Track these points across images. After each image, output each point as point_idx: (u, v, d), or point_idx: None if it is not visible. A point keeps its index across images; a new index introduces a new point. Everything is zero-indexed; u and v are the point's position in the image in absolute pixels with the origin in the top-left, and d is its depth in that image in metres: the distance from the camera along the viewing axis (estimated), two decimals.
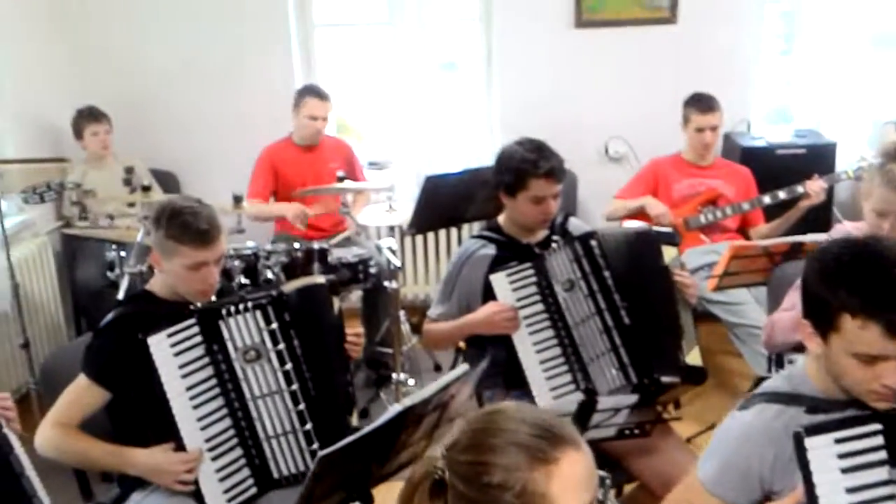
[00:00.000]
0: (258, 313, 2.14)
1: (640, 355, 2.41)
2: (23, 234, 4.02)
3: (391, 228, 3.81)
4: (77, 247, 4.12)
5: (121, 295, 3.25)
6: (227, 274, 3.31)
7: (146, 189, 3.37)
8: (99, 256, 3.82)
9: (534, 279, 2.50)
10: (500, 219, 2.69)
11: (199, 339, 2.07)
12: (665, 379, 2.39)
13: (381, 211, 3.78)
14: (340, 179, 3.58)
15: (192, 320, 2.07)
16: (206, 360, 2.08)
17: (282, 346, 2.16)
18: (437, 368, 4.11)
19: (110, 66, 4.52)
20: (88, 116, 4.16)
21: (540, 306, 2.50)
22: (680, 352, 2.45)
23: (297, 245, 3.46)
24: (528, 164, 2.50)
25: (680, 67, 4.46)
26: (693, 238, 3.77)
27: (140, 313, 2.13)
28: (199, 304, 2.15)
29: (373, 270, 3.67)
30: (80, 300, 4.23)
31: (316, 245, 3.48)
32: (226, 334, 2.10)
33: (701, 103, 3.79)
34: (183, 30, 4.50)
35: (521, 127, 4.57)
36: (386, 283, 3.46)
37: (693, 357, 2.48)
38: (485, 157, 4.73)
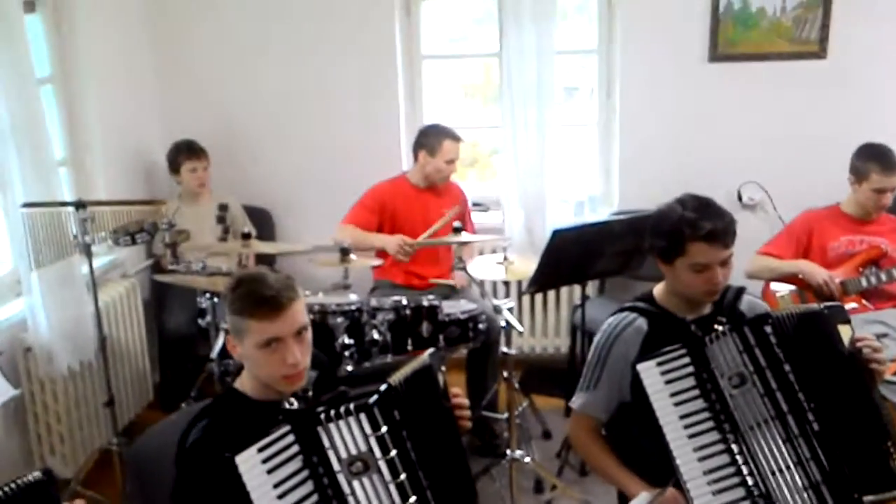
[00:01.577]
0: (363, 416, 1.77)
1: (837, 469, 1.98)
2: (110, 275, 3.81)
3: (505, 284, 3.42)
4: (166, 289, 3.88)
5: (214, 352, 2.95)
6: (330, 333, 3.01)
7: (246, 237, 3.08)
8: (189, 301, 3.59)
9: (691, 369, 2.08)
10: (656, 289, 2.30)
11: (295, 449, 1.70)
12: (871, 499, 1.96)
13: (492, 263, 3.40)
14: (457, 231, 3.23)
15: (286, 428, 1.71)
16: (305, 474, 1.71)
17: (393, 453, 1.79)
18: (547, 436, 3.71)
19: (203, 98, 4.32)
20: (187, 151, 3.94)
21: (700, 403, 2.08)
22: (891, 458, 2.01)
23: (404, 301, 3.12)
24: (686, 226, 2.12)
25: (827, 108, 3.99)
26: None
27: (227, 423, 1.81)
28: (293, 403, 1.81)
29: (482, 327, 3.32)
30: (167, 347, 3.99)
31: (425, 301, 3.14)
32: (326, 443, 1.73)
33: (885, 160, 3.25)
34: (280, 62, 4.25)
35: (643, 168, 4.23)
36: (504, 349, 3.09)
37: None
38: (599, 199, 4.35)
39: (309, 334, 1.86)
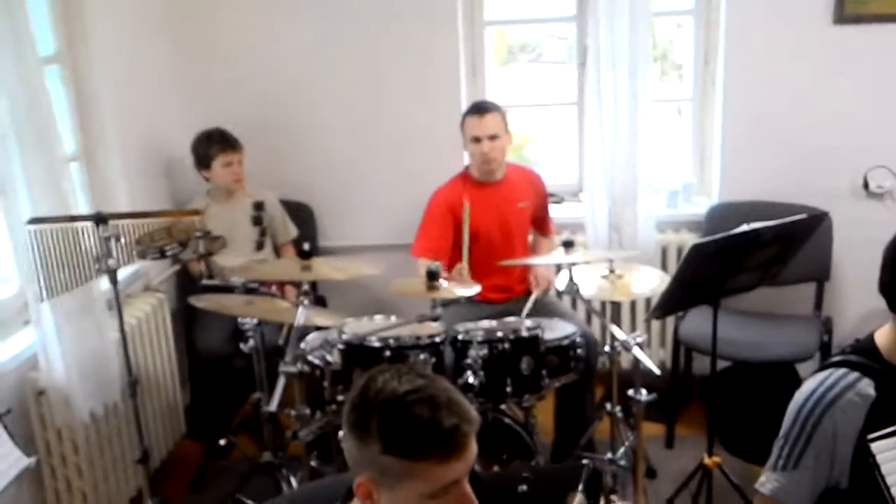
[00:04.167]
0: None
1: None
2: (132, 289, 3.23)
3: (612, 304, 2.83)
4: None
5: (273, 405, 2.36)
6: None
7: (306, 256, 2.47)
8: (226, 320, 3.03)
9: None
10: (881, 336, 1.71)
11: None
12: None
13: (594, 277, 2.80)
14: (568, 245, 2.63)
15: None
16: None
17: None
18: (651, 474, 3.15)
19: (230, 77, 3.68)
20: (221, 143, 3.32)
21: None
22: None
23: (499, 332, 2.54)
24: None
25: None
26: None
27: None
28: None
29: (581, 353, 2.76)
30: (199, 367, 3.41)
31: (525, 331, 2.56)
32: None
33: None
34: (320, 32, 3.60)
35: (750, 151, 3.58)
36: (631, 393, 2.52)
37: None
38: (695, 188, 3.74)
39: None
